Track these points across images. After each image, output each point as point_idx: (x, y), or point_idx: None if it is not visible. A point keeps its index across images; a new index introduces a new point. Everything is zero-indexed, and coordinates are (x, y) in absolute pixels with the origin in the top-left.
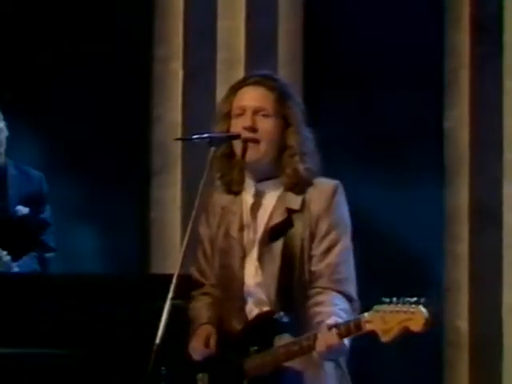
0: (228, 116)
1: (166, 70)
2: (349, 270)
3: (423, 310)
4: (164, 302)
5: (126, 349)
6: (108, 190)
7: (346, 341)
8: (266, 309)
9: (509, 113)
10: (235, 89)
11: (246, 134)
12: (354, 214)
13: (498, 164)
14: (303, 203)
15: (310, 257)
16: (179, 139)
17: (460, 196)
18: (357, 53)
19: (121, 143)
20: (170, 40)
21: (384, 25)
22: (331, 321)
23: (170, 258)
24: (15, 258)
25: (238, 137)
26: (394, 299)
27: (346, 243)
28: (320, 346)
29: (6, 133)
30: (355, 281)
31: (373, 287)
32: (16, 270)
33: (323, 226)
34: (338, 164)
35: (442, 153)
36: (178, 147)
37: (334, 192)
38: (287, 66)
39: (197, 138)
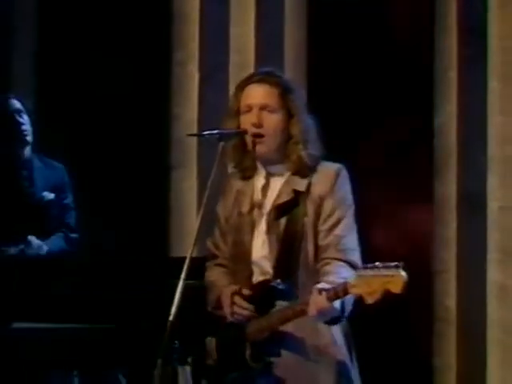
0: (238, 113)
1: (183, 72)
2: (353, 242)
3: (402, 273)
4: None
5: (148, 323)
6: (132, 181)
7: (337, 304)
8: (266, 277)
9: (493, 111)
10: (241, 87)
11: (253, 130)
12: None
13: (482, 157)
14: (309, 185)
15: (317, 233)
16: (191, 135)
17: (448, 186)
18: (355, 54)
19: (144, 139)
20: (187, 45)
21: (379, 31)
22: (320, 285)
23: (187, 242)
24: (44, 238)
25: (244, 133)
26: (376, 263)
27: (349, 219)
28: (311, 309)
29: (30, 127)
30: (359, 251)
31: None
32: (45, 248)
33: (328, 205)
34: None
35: (432, 147)
36: (194, 143)
37: (337, 175)
38: (292, 68)
39: (207, 134)
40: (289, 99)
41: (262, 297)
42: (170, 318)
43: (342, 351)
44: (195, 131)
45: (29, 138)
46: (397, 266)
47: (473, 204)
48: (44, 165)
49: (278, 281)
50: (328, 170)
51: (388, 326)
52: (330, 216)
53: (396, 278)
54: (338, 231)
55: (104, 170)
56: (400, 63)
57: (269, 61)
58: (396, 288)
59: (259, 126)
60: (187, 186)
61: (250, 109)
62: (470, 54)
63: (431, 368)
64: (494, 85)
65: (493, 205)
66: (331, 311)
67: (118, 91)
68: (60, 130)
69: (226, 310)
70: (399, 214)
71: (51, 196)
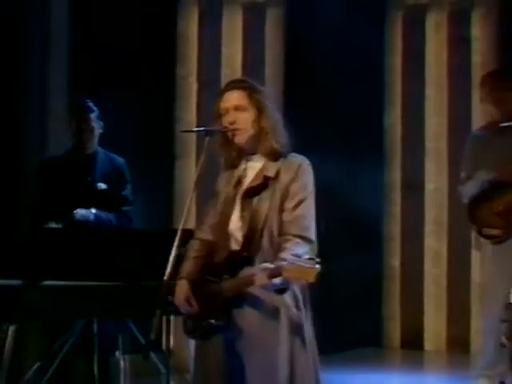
0: (219, 115)
1: (185, 83)
2: (311, 221)
3: (317, 267)
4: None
5: (153, 281)
6: (145, 170)
7: (277, 280)
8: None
9: (429, 114)
10: (220, 94)
11: (231, 127)
12: (318, 184)
13: (421, 150)
14: (278, 173)
15: (282, 211)
16: (184, 131)
17: (394, 172)
18: (324, 68)
19: (154, 136)
20: (188, 62)
21: (341, 54)
22: (263, 265)
23: (186, 217)
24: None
25: (223, 129)
26: (304, 257)
27: (309, 202)
28: (255, 283)
29: (100, 129)
30: (315, 229)
31: (335, 238)
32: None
33: (293, 189)
34: (313, 147)
35: (382, 141)
36: (193, 138)
37: (301, 165)
38: (271, 81)
39: (196, 131)
40: (256, 99)
41: (232, 263)
42: (165, 277)
43: (292, 310)
44: None
45: (96, 133)
46: (317, 262)
47: (413, 186)
48: (107, 158)
49: (247, 253)
50: (294, 160)
51: (345, 282)
52: (293, 198)
53: (312, 270)
54: (299, 211)
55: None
56: (357, 76)
57: (252, 75)
58: (311, 278)
59: (234, 123)
60: (188, 172)
61: (226, 111)
62: (411, 69)
63: (380, 317)
64: (429, 93)
65: (429, 186)
66: (271, 286)
67: (134, 98)
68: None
69: (178, 300)
70: (357, 195)
71: (104, 186)
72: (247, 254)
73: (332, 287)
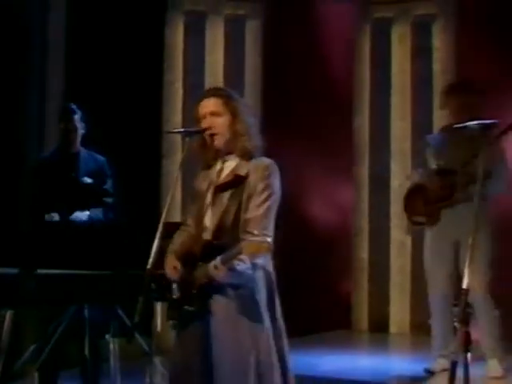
0: (198, 119)
1: (171, 88)
2: (269, 220)
3: (269, 240)
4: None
5: (135, 270)
6: (135, 167)
7: (233, 274)
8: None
9: (394, 117)
10: (198, 101)
11: (208, 131)
12: (289, 177)
13: (387, 150)
14: (248, 173)
15: (247, 208)
16: (168, 132)
17: (363, 170)
18: (298, 76)
19: (144, 136)
20: (174, 69)
21: (313, 63)
22: (214, 262)
23: (172, 211)
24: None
25: (201, 131)
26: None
27: (272, 202)
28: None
29: (83, 130)
30: (272, 231)
31: (311, 230)
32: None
33: (259, 188)
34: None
35: (352, 142)
36: (178, 139)
37: (267, 167)
38: (251, 87)
39: (177, 132)
40: (231, 105)
41: (206, 253)
42: (148, 266)
43: (250, 301)
44: None
45: (79, 133)
46: (268, 236)
47: (380, 183)
48: (89, 156)
49: (218, 242)
50: (262, 163)
51: (318, 272)
52: (258, 197)
53: (265, 244)
54: (261, 210)
55: (116, 159)
56: (328, 84)
57: (233, 82)
58: (264, 250)
59: (211, 127)
60: (174, 170)
61: (204, 116)
62: (377, 76)
63: (350, 303)
64: (394, 98)
65: (394, 183)
66: (227, 279)
67: (125, 102)
68: (87, 129)
69: (167, 270)
70: (329, 192)
71: (89, 181)
72: (218, 244)
73: (308, 276)
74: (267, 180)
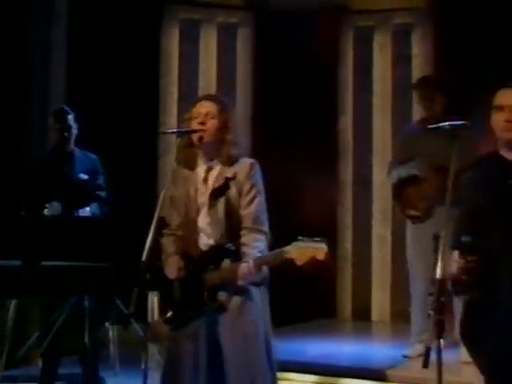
0: (191, 118)
1: (167, 92)
2: (264, 215)
3: (324, 245)
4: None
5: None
6: (133, 166)
7: (259, 274)
8: (213, 240)
9: (376, 119)
10: (195, 103)
11: (200, 126)
12: (279, 176)
13: (369, 149)
14: (235, 174)
15: (239, 206)
16: (162, 133)
17: (347, 170)
18: (287, 81)
19: (141, 137)
20: (170, 74)
21: (303, 67)
22: (251, 256)
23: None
24: (81, 206)
25: (193, 131)
26: (305, 238)
27: (261, 199)
28: (239, 275)
29: (76, 130)
30: (268, 222)
31: (299, 224)
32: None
33: (246, 187)
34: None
35: (337, 143)
36: (173, 140)
37: (251, 167)
38: (242, 92)
39: (170, 132)
40: (225, 113)
41: (217, 255)
42: (143, 259)
43: (256, 295)
44: None
45: (73, 132)
46: (322, 241)
47: (363, 182)
48: (83, 155)
49: (229, 244)
50: (246, 163)
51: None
52: (247, 195)
53: (320, 249)
54: (253, 207)
55: (115, 159)
56: (315, 88)
57: (225, 86)
58: (320, 256)
59: (204, 124)
60: (169, 168)
61: (199, 114)
62: (360, 81)
63: (334, 293)
64: (376, 101)
65: (376, 182)
66: (251, 278)
67: (124, 105)
68: (88, 130)
69: (173, 271)
70: (316, 190)
71: (85, 177)
72: (224, 247)
73: (295, 268)
74: (253, 179)
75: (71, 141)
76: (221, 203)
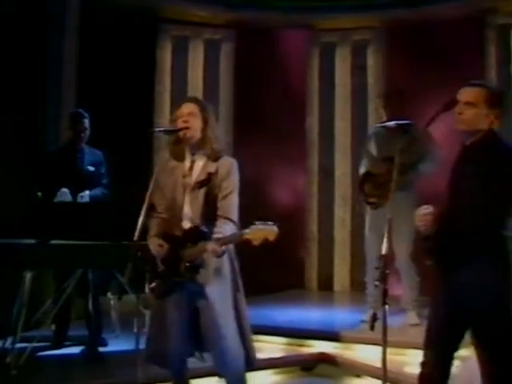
0: (176, 119)
1: (161, 97)
2: (236, 208)
3: (275, 228)
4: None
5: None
6: (132, 160)
7: (222, 248)
8: (192, 223)
9: (338, 118)
10: (179, 105)
11: (184, 124)
12: (255, 167)
13: (331, 146)
14: (217, 169)
15: (218, 198)
16: (152, 131)
17: (313, 162)
18: (264, 89)
19: (139, 136)
20: (163, 81)
21: (274, 77)
22: (216, 236)
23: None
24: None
25: (178, 130)
26: (261, 222)
27: (235, 194)
28: (209, 250)
29: (88, 128)
30: (237, 213)
31: (272, 209)
32: (68, 196)
33: (225, 183)
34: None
35: (305, 140)
36: (165, 137)
37: (231, 165)
38: (225, 98)
39: (158, 131)
40: (205, 112)
41: (194, 235)
42: (135, 238)
43: (227, 267)
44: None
45: (87, 133)
46: (273, 224)
47: (327, 172)
48: (90, 151)
49: (204, 227)
50: (227, 161)
51: (277, 243)
52: (225, 190)
53: (272, 231)
54: (228, 200)
55: (116, 154)
56: (287, 93)
57: (210, 92)
58: (271, 237)
59: (187, 122)
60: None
61: (183, 115)
62: (325, 87)
63: (303, 267)
64: (337, 104)
65: (338, 172)
66: (222, 253)
67: (124, 108)
68: (95, 129)
69: (153, 249)
70: (286, 178)
71: (92, 169)
72: (202, 229)
73: (269, 246)
74: (232, 176)
75: (84, 140)
76: (201, 193)
